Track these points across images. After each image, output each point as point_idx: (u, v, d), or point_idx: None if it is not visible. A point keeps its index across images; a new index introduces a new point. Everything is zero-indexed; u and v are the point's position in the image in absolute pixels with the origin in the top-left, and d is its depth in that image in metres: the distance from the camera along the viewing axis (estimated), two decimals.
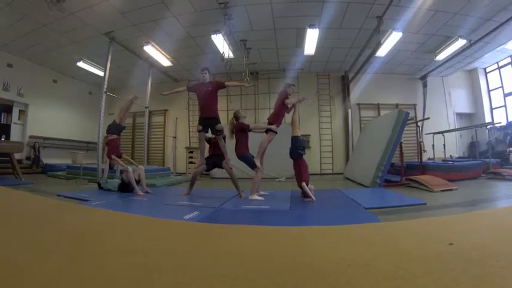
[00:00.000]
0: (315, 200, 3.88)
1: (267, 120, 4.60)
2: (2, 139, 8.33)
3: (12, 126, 8.90)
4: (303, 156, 4.22)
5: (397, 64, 9.21)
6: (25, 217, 2.70)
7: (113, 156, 5.00)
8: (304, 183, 3.99)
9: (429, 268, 1.29)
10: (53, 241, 1.91)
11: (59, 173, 7.85)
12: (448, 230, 2.10)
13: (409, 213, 3.08)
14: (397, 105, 9.64)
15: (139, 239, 2.04)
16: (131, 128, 11.01)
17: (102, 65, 7.39)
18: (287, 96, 4.44)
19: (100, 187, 5.12)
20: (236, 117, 4.52)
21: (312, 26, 6.63)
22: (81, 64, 8.76)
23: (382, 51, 7.64)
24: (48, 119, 9.47)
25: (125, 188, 4.76)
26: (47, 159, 9.11)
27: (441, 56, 8.27)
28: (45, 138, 9.29)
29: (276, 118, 4.42)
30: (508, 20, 6.08)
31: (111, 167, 5.27)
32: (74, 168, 7.21)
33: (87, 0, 5.65)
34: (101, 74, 7.39)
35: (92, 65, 8.84)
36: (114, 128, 5.21)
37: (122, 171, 4.99)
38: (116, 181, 4.96)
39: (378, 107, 9.95)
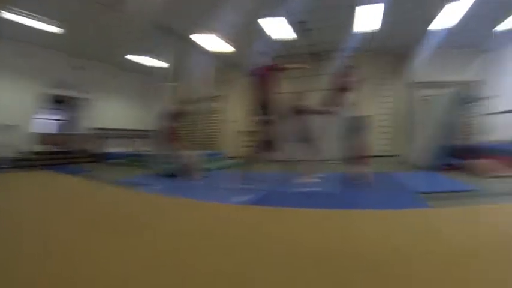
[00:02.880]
0: (369, 183, 3.84)
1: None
2: None
3: None
4: (362, 137, 4.10)
5: (459, 35, 7.75)
6: (79, 200, 3.24)
7: (171, 142, 5.30)
8: (357, 166, 3.94)
9: None
10: (109, 223, 2.19)
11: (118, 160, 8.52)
12: (500, 219, 2.02)
13: (462, 200, 2.92)
14: (460, 82, 8.50)
15: (195, 222, 2.21)
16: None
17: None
18: (345, 75, 4.32)
19: (158, 173, 5.50)
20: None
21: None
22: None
23: (440, 23, 6.70)
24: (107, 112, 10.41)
25: (182, 172, 5.09)
26: (109, 148, 9.92)
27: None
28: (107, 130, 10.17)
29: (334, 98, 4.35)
30: None
31: (168, 153, 5.58)
32: (132, 155, 7.81)
33: None
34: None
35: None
36: (172, 116, 5.52)
37: (178, 156, 5.29)
38: (173, 166, 5.29)
39: (439, 85, 8.83)
